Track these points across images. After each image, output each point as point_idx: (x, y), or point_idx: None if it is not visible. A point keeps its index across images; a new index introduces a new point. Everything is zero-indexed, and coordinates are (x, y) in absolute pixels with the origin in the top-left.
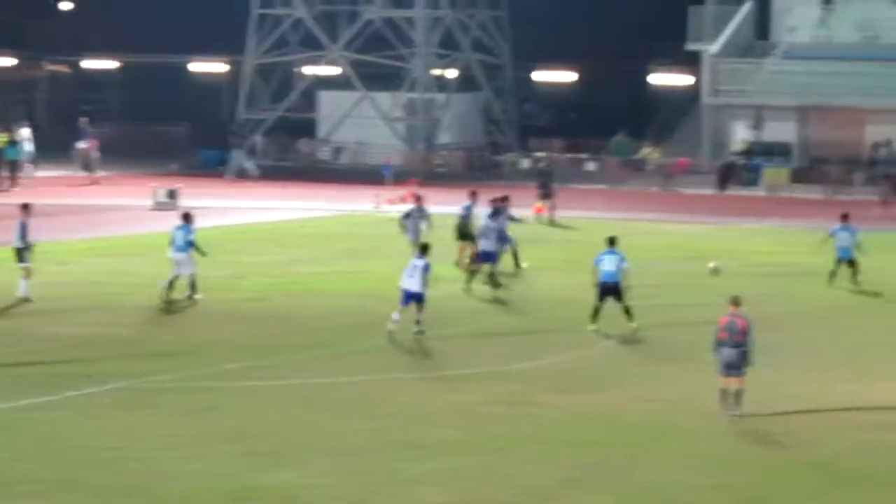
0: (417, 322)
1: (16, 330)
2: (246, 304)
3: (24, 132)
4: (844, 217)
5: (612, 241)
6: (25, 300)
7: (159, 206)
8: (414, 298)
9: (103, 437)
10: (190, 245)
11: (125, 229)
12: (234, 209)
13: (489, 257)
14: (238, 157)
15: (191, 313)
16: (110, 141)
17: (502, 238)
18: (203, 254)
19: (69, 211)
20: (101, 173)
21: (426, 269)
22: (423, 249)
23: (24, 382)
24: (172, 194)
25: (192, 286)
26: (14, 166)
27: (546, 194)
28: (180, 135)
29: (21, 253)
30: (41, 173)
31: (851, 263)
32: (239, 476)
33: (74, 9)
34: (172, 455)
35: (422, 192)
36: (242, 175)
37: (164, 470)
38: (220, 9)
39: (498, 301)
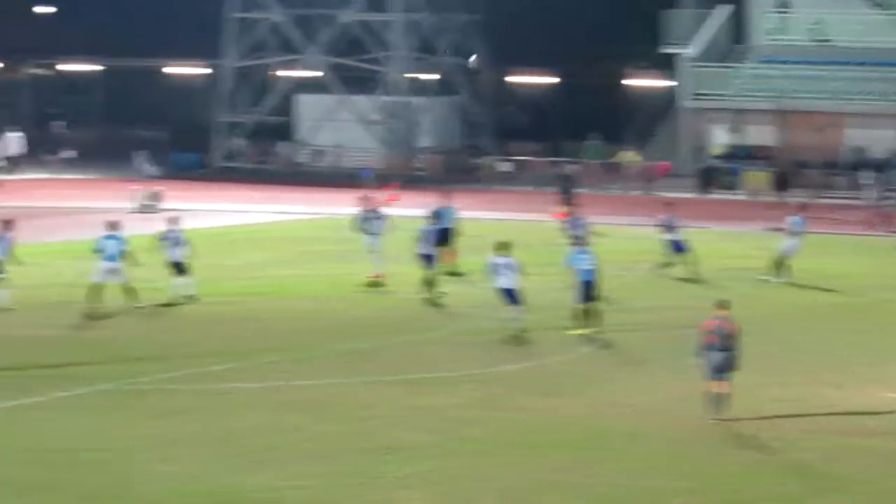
0: (513, 318)
1: None
2: (222, 306)
3: (13, 135)
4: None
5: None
6: (8, 309)
7: (142, 209)
8: (510, 295)
9: (83, 438)
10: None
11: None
12: (212, 212)
13: (428, 260)
14: (140, 160)
15: (168, 316)
16: (91, 144)
17: (679, 247)
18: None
19: (51, 213)
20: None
21: (518, 265)
22: (504, 247)
23: (4, 384)
24: (155, 196)
25: (132, 294)
26: None
27: (567, 200)
28: (160, 138)
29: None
30: (26, 175)
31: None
32: (220, 478)
33: (55, 12)
34: (152, 457)
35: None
36: (146, 176)
37: (144, 472)
38: (198, 12)
39: (476, 305)
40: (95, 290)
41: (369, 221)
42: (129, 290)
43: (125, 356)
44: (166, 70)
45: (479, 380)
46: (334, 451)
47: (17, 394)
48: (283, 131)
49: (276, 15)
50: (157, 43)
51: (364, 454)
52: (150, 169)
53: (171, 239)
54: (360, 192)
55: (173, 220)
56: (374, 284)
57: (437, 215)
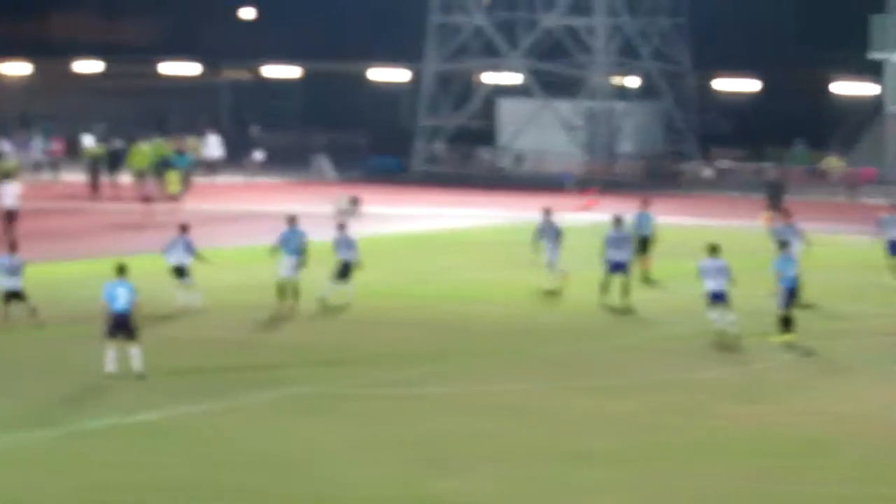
0: (724, 322)
1: (188, 337)
2: (419, 310)
3: (213, 139)
4: None
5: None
6: (200, 311)
7: (342, 213)
8: (720, 298)
9: (280, 442)
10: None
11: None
12: (412, 216)
13: (620, 267)
14: (319, 162)
15: (363, 320)
16: (286, 148)
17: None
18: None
19: (250, 217)
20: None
21: (728, 268)
22: (715, 250)
23: (202, 387)
24: (355, 201)
25: (297, 294)
26: (185, 175)
27: (774, 205)
28: (359, 142)
29: (182, 270)
30: (224, 179)
31: None
32: (418, 483)
33: (256, 17)
34: (352, 461)
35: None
36: (326, 179)
37: (345, 476)
38: (398, 16)
39: (670, 311)
40: (282, 287)
41: (547, 233)
42: (296, 291)
43: (318, 359)
44: (367, 74)
45: (675, 386)
46: (529, 456)
47: (211, 397)
48: (483, 136)
49: (479, 19)
50: (358, 47)
51: (558, 459)
52: (330, 172)
53: (342, 242)
54: (544, 202)
55: (342, 226)
56: (553, 293)
57: (618, 221)
